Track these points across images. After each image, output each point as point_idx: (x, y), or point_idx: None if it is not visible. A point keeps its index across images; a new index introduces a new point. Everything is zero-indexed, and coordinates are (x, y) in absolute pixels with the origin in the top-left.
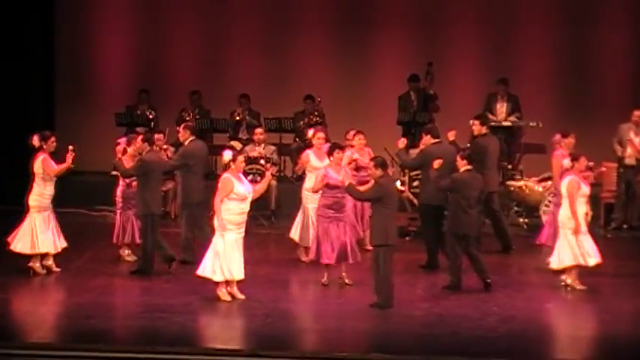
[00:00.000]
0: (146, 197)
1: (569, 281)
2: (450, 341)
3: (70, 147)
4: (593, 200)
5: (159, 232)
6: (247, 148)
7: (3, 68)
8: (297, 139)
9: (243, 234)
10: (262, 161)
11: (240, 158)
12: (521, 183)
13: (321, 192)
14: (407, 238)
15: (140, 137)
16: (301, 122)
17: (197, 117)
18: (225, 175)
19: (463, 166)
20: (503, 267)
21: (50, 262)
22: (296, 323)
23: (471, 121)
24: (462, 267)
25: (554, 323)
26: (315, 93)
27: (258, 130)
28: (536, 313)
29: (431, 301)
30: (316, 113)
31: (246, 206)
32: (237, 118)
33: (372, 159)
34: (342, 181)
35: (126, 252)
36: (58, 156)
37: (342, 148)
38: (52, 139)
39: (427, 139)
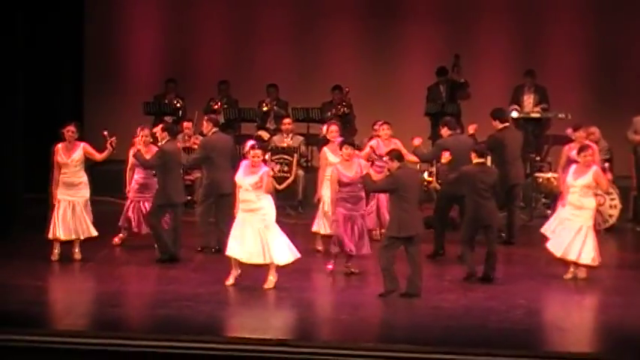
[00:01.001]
0: (167, 187)
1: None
2: (477, 333)
3: (105, 132)
4: (623, 193)
5: (181, 223)
6: (275, 138)
7: (33, 58)
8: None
9: (256, 218)
10: (267, 156)
11: (252, 152)
12: (549, 175)
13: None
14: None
15: (161, 127)
16: (329, 112)
17: (225, 107)
18: (243, 162)
19: (474, 159)
20: (531, 259)
21: (77, 248)
22: (323, 313)
23: None
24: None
25: (581, 316)
26: (343, 83)
27: (286, 120)
28: (563, 306)
29: (458, 292)
30: (344, 104)
31: (246, 195)
32: (265, 108)
33: (388, 152)
34: (353, 177)
35: (119, 236)
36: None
37: (352, 144)
38: (68, 128)
39: (444, 131)
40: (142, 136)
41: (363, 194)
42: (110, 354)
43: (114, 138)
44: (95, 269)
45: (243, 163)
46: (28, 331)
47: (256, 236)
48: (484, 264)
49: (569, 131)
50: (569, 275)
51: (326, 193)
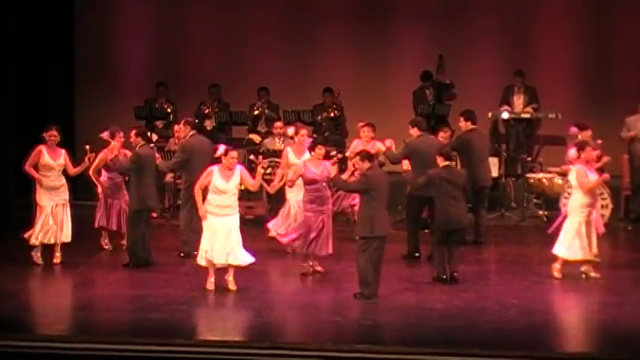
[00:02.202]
0: (141, 192)
1: (583, 269)
2: (470, 334)
3: (87, 147)
4: (613, 192)
5: (149, 229)
6: (266, 141)
7: (23, 61)
8: (315, 133)
9: (231, 222)
10: (252, 156)
11: (233, 154)
12: (540, 175)
13: (304, 188)
14: (426, 231)
15: (134, 131)
16: (320, 115)
17: (216, 110)
18: (210, 168)
19: (441, 162)
20: (523, 259)
21: (58, 252)
22: (317, 316)
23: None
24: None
25: (574, 316)
26: (334, 86)
27: (278, 124)
28: (556, 306)
29: (451, 293)
30: (335, 106)
31: (224, 200)
32: (257, 112)
33: (357, 153)
34: (320, 176)
35: (105, 240)
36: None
37: (325, 145)
38: (50, 132)
39: (414, 132)
40: (132, 138)
41: (329, 194)
42: (102, 359)
43: (93, 155)
44: (87, 274)
45: (215, 169)
46: (19, 337)
47: (227, 238)
48: (448, 265)
49: (573, 130)
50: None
51: (292, 196)
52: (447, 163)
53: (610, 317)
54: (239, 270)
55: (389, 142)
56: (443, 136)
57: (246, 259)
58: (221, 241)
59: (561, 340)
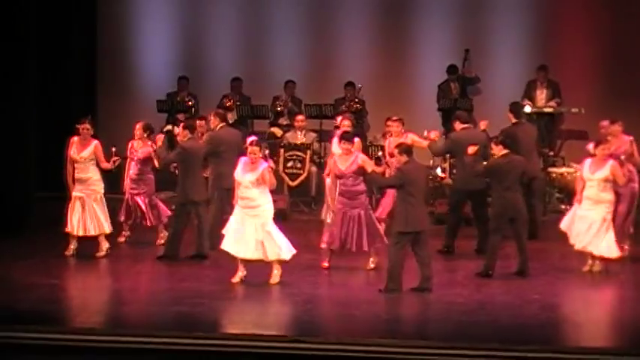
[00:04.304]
0: (186, 185)
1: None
2: (491, 328)
3: (113, 149)
4: None
5: (204, 222)
6: (288, 134)
7: (45, 55)
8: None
9: (254, 215)
10: (267, 151)
11: (250, 149)
12: (562, 169)
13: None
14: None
15: (182, 124)
16: (341, 109)
17: (238, 103)
18: (241, 159)
19: (499, 151)
20: (545, 253)
21: (72, 245)
22: (336, 310)
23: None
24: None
25: (595, 311)
26: (355, 80)
27: (300, 117)
28: (577, 301)
29: (471, 287)
30: (356, 100)
31: (245, 192)
32: (279, 109)
33: (397, 145)
34: (344, 171)
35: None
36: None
37: (350, 140)
38: (83, 125)
39: (457, 125)
40: (180, 131)
41: (360, 188)
42: (123, 351)
43: (118, 158)
44: (107, 267)
45: (242, 160)
46: (42, 329)
47: (253, 232)
48: (518, 259)
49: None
50: (586, 268)
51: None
52: (506, 151)
53: (631, 312)
54: (261, 264)
55: (434, 134)
56: (483, 125)
57: (283, 253)
58: (241, 234)
59: (582, 334)
